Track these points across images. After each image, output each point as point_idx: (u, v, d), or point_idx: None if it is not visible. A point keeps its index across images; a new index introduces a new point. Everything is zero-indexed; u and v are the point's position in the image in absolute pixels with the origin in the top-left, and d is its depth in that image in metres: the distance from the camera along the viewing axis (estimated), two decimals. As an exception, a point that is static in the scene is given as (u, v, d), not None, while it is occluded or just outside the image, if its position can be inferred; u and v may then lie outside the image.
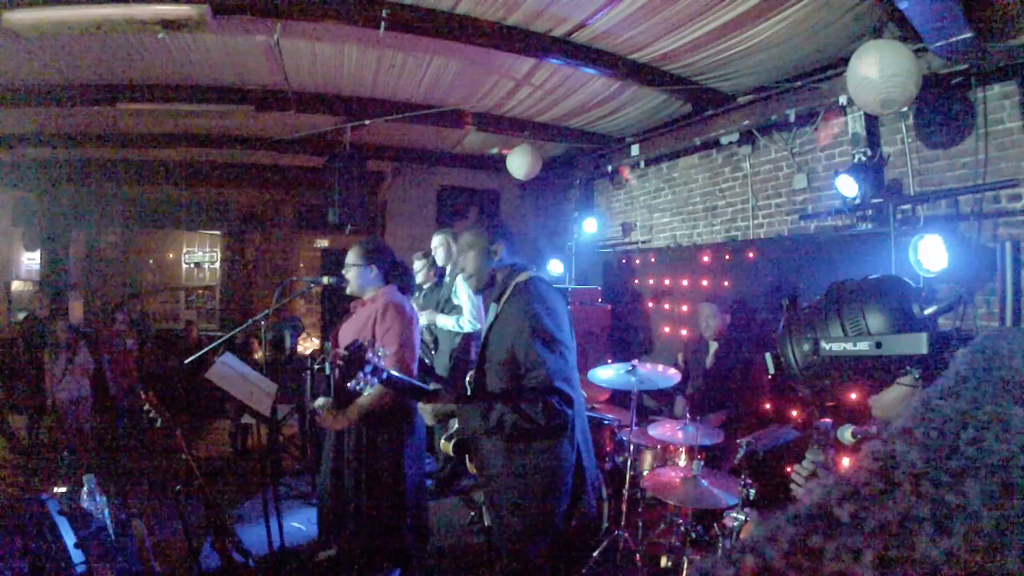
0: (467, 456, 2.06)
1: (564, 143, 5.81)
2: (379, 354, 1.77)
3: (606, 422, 3.43)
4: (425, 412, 1.91)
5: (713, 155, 5.08)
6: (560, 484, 1.83)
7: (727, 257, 4.65)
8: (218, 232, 7.87)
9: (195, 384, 5.83)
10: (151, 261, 7.96)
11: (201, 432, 5.98)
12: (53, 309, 6.00)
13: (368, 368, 1.71)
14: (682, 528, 2.84)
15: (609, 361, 4.14)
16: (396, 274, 2.71)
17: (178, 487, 2.38)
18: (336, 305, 2.91)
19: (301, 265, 7.81)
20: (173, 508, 2.60)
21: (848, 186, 3.42)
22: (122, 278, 7.63)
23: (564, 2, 3.08)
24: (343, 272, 2.71)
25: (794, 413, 3.65)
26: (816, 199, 4.13)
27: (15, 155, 5.91)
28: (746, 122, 4.40)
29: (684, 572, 2.66)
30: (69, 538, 1.90)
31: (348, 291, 2.76)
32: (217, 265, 7.98)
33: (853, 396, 1.28)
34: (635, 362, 3.29)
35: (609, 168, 6.08)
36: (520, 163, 5.36)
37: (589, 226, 6.00)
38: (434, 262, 4.22)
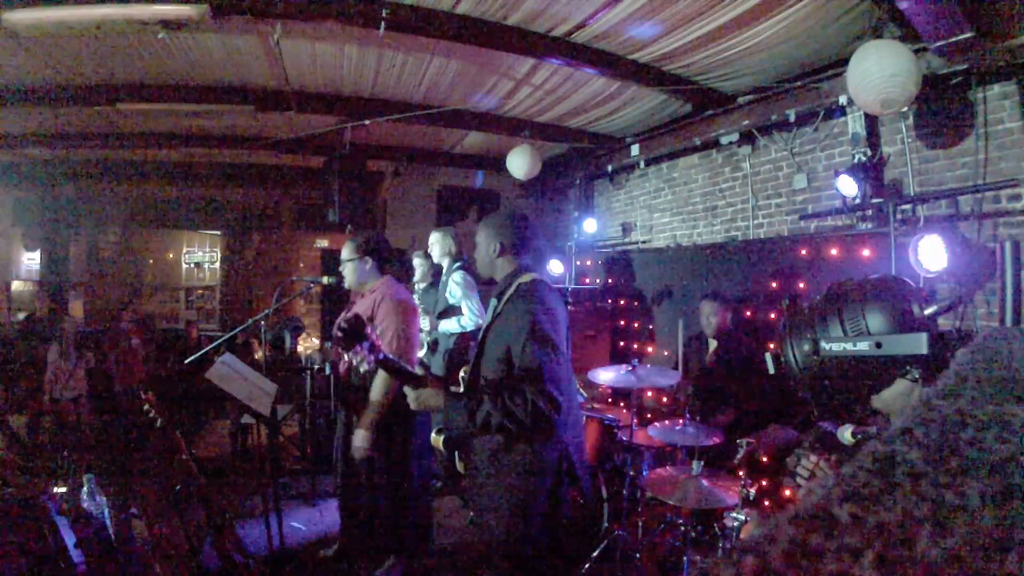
0: (456, 453, 2.06)
1: (564, 143, 5.81)
2: (377, 332, 1.77)
3: (606, 422, 3.42)
4: (409, 397, 1.88)
5: (713, 155, 5.07)
6: (538, 486, 1.84)
7: (727, 257, 4.65)
8: (218, 232, 7.86)
9: (195, 384, 5.83)
10: (151, 261, 7.95)
11: (201, 432, 5.98)
12: (53, 309, 6.00)
13: (367, 344, 1.70)
14: (682, 528, 2.84)
15: (609, 362, 4.14)
16: (392, 264, 2.73)
17: (178, 487, 2.38)
18: (336, 305, 2.91)
19: (301, 265, 7.81)
20: (173, 508, 2.60)
21: (848, 186, 3.42)
22: (122, 278, 7.62)
23: (564, 2, 3.08)
24: (340, 270, 2.72)
25: (794, 413, 3.65)
26: (816, 199, 4.13)
27: (15, 155, 5.91)
28: (746, 122, 4.40)
29: (684, 572, 2.66)
30: (69, 538, 1.90)
31: (347, 286, 2.77)
32: (217, 265, 7.97)
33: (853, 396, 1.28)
34: (635, 362, 3.29)
35: (609, 168, 6.08)
36: (520, 163, 5.36)
37: (589, 226, 6.00)
38: (433, 261, 4.22)
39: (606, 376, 3.36)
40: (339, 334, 1.70)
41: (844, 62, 3.18)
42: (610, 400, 4.61)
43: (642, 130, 5.40)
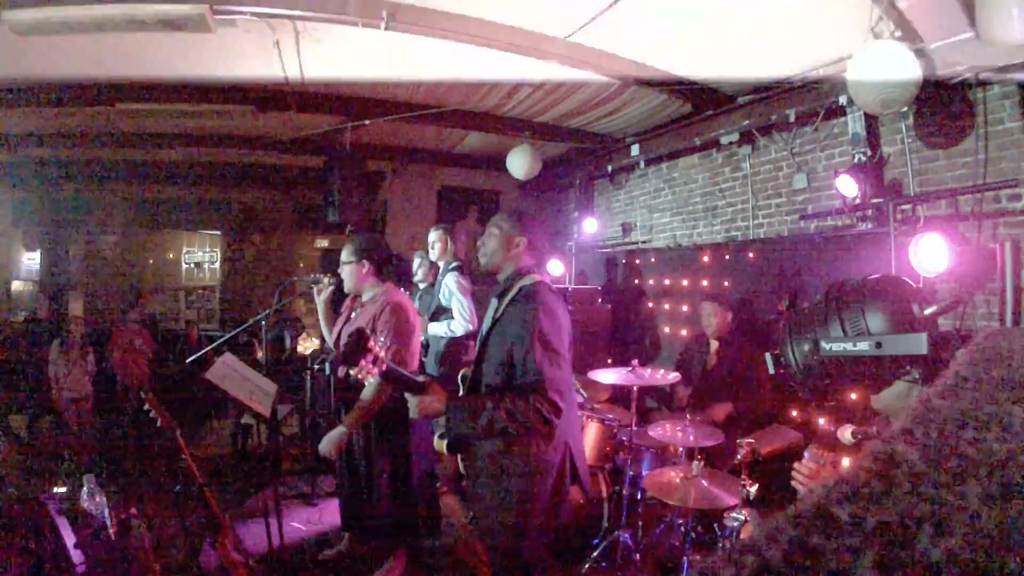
0: (460, 456, 2.06)
1: (564, 143, 5.80)
2: (380, 344, 1.77)
3: (606, 422, 3.42)
4: (411, 405, 1.86)
5: (713, 155, 5.07)
6: (540, 487, 1.85)
7: (727, 257, 4.65)
8: (218, 232, 7.86)
9: (195, 384, 5.83)
10: (151, 261, 7.95)
11: (201, 432, 5.98)
12: (53, 309, 6.00)
13: (370, 358, 1.70)
14: (682, 528, 2.84)
15: (609, 362, 4.13)
16: (391, 269, 2.71)
17: (178, 487, 2.38)
18: (336, 305, 2.91)
19: (301, 265, 7.81)
20: (173, 508, 2.60)
21: (848, 186, 3.42)
22: (122, 278, 7.62)
23: (564, 2, 3.08)
24: (339, 271, 2.71)
25: (794, 413, 3.65)
26: (816, 199, 4.13)
27: (15, 155, 5.91)
28: (746, 122, 4.40)
29: (684, 572, 2.66)
30: (69, 538, 1.91)
31: (345, 290, 2.76)
32: (217, 265, 7.97)
33: (853, 396, 1.28)
34: (635, 362, 3.29)
35: (609, 168, 6.08)
36: (520, 163, 5.36)
37: (589, 226, 6.00)
38: (433, 261, 4.21)
39: (606, 376, 3.36)
40: (343, 350, 1.71)
41: (844, 62, 3.18)
42: (610, 400, 4.61)
43: (642, 130, 5.39)
